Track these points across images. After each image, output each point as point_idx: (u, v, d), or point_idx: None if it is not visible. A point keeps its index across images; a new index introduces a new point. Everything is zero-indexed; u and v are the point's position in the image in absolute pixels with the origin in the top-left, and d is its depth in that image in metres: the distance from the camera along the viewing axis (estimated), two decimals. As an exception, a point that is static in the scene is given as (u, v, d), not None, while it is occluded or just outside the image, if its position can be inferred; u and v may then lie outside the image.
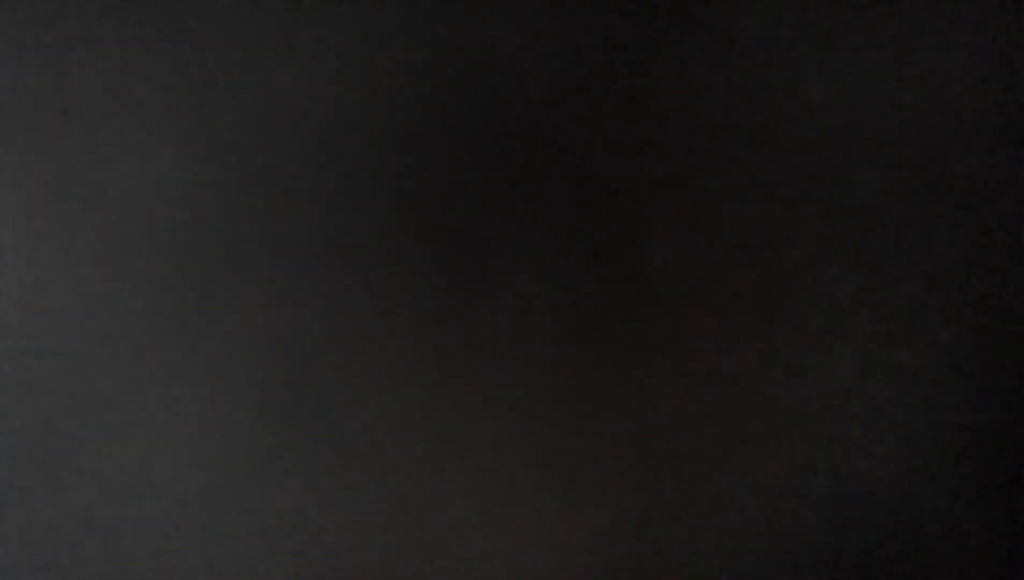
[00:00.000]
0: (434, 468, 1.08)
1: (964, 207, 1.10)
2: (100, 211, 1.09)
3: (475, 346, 1.09)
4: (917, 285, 1.09)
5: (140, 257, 1.09)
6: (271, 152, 1.09)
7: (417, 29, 1.10)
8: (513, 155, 1.09)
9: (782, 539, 1.09)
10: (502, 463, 1.08)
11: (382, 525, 1.08)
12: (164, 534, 1.08)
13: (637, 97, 1.10)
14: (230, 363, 1.08)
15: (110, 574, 1.08)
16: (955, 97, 1.10)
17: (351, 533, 1.08)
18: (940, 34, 1.10)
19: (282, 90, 1.09)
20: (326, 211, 1.09)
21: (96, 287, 1.08)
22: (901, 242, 1.09)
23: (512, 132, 1.09)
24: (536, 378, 1.08)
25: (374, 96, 1.09)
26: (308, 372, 1.08)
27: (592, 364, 1.09)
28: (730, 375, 1.08)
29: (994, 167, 1.10)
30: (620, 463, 1.08)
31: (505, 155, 1.09)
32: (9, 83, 1.09)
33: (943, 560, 1.09)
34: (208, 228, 1.09)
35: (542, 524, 1.08)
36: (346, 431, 1.08)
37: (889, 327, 1.09)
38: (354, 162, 1.09)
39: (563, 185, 1.09)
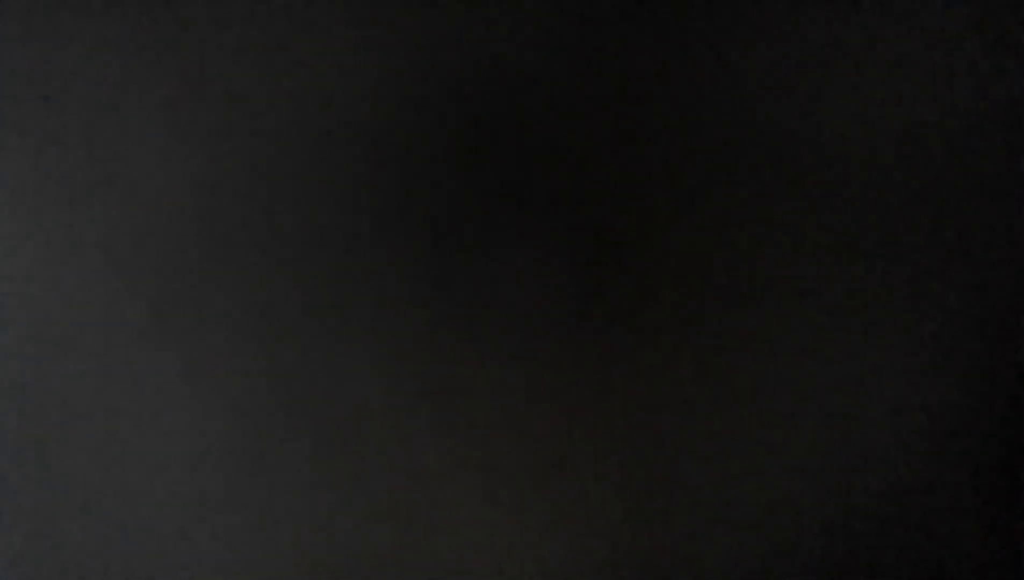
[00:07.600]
0: (433, 466, 1.08)
1: (964, 207, 1.10)
2: (99, 210, 1.09)
3: (474, 344, 1.09)
4: (917, 285, 1.09)
5: (139, 256, 1.09)
6: (270, 151, 1.09)
7: (416, 29, 1.10)
8: (512, 153, 1.09)
9: (782, 539, 1.09)
10: (500, 461, 1.08)
11: (379, 522, 1.08)
12: (163, 533, 1.08)
13: (638, 97, 1.10)
14: (229, 360, 1.08)
15: (109, 572, 1.08)
16: (954, 97, 1.10)
17: (348, 531, 1.08)
18: (940, 34, 1.10)
19: (281, 89, 1.09)
20: (326, 210, 1.09)
21: (96, 286, 1.09)
22: (903, 242, 1.09)
23: (512, 130, 1.10)
24: (535, 377, 1.09)
25: (373, 95, 1.10)
26: (308, 370, 1.08)
27: (592, 362, 1.09)
28: (730, 374, 1.08)
29: (994, 167, 1.10)
30: (620, 461, 1.08)
31: (504, 153, 1.09)
32: (9, 83, 1.09)
33: (943, 560, 1.09)
34: (207, 226, 1.09)
35: (540, 522, 1.08)
36: (345, 429, 1.08)
37: (889, 327, 1.09)
38: (353, 160, 1.09)
39: (563, 184, 1.09)
